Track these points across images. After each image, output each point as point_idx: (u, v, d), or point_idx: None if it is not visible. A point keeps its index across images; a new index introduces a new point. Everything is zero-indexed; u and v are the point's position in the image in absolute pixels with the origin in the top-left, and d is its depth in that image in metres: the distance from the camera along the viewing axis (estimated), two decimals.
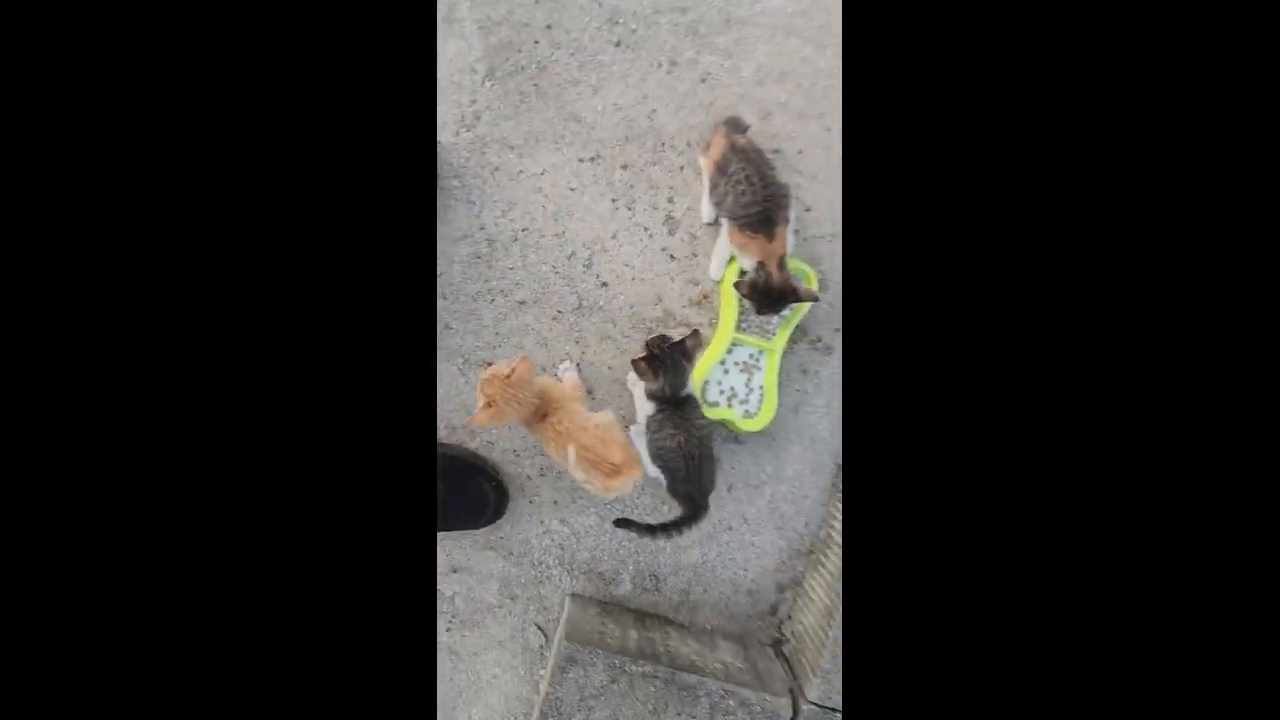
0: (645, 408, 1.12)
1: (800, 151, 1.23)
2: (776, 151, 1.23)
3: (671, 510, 1.16)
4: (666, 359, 1.06)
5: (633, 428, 1.18)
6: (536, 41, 1.21)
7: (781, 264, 1.08)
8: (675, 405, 1.09)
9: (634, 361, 1.07)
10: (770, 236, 1.07)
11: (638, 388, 1.14)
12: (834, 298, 1.25)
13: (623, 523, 1.17)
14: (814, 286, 1.19)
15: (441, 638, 1.33)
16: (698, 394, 1.21)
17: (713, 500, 1.28)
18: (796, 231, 1.23)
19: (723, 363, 1.22)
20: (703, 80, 1.22)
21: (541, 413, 1.07)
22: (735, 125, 1.12)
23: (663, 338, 1.08)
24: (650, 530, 1.14)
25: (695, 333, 1.08)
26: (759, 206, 1.05)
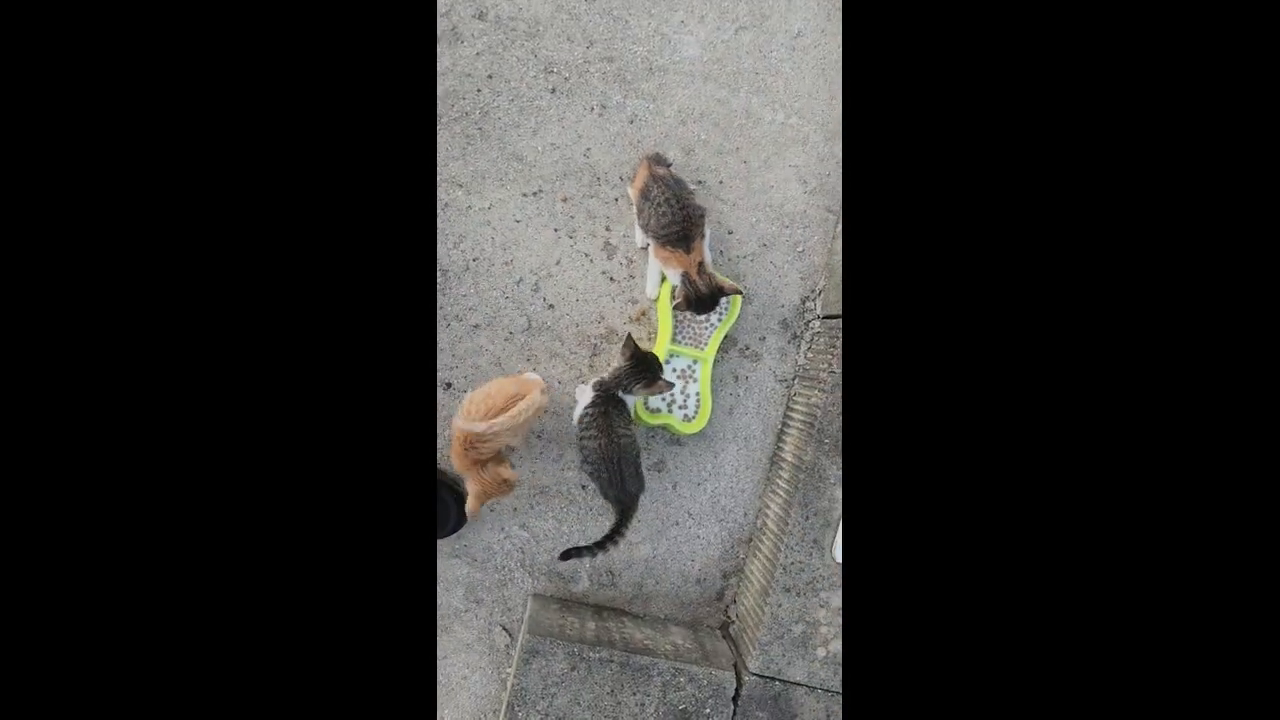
0: (584, 399, 1.25)
1: (721, 182, 1.39)
2: (700, 183, 1.38)
3: (608, 518, 1.30)
4: (646, 365, 1.21)
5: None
6: (479, 90, 1.34)
7: (701, 270, 1.24)
8: (607, 403, 1.22)
9: (631, 335, 1.22)
10: (688, 250, 1.22)
11: (583, 395, 1.27)
12: (759, 309, 1.40)
13: (569, 554, 1.28)
14: (736, 297, 1.34)
15: None
16: (639, 403, 1.34)
17: (659, 498, 1.41)
18: (721, 251, 1.39)
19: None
20: (631, 121, 1.37)
21: (471, 442, 1.19)
22: (657, 159, 1.28)
23: (655, 359, 1.24)
24: (596, 549, 1.26)
25: (670, 385, 1.25)
26: (678, 226, 1.21)
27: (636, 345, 1.22)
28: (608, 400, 1.22)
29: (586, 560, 1.42)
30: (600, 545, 1.26)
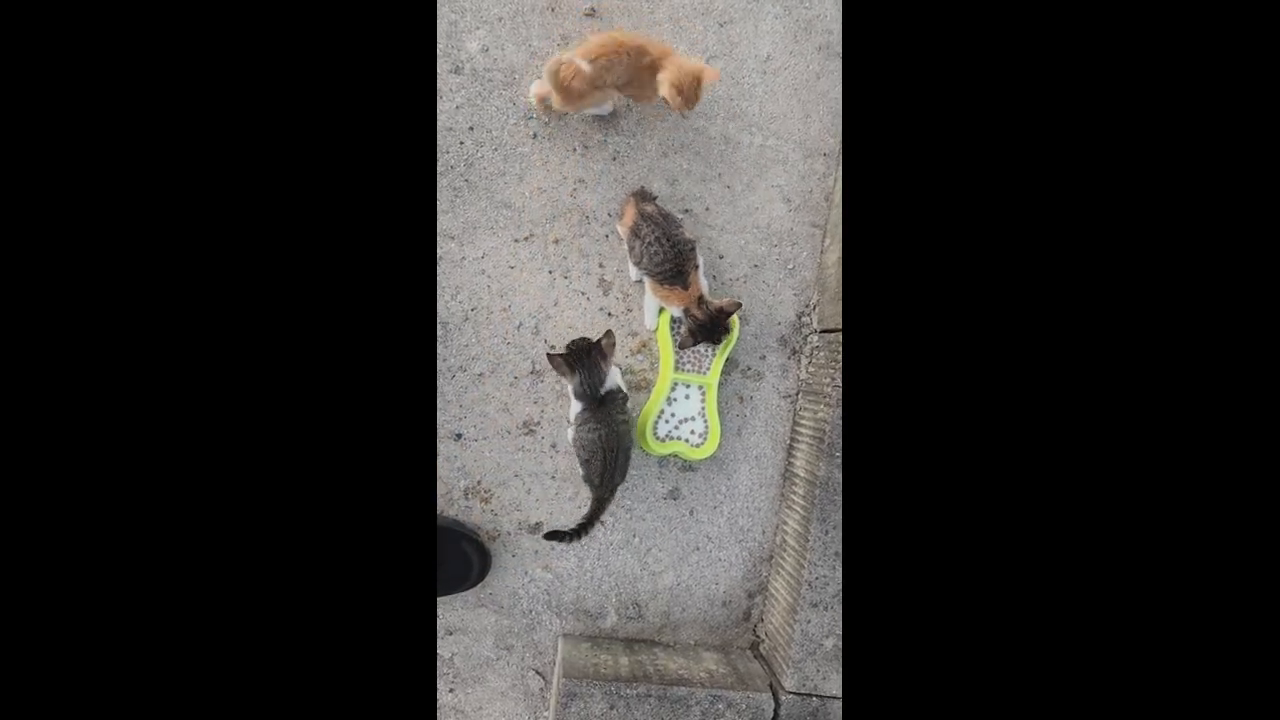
0: (574, 405, 1.26)
1: (708, 209, 1.41)
2: (687, 211, 1.40)
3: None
4: (583, 356, 1.22)
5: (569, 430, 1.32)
6: (462, 142, 1.36)
7: (700, 302, 1.26)
8: (599, 402, 1.23)
9: (549, 356, 1.22)
10: (685, 285, 1.25)
11: (570, 388, 1.27)
12: (757, 329, 1.43)
13: (552, 535, 1.27)
14: (734, 319, 1.36)
15: (445, 698, 1.40)
16: (647, 434, 1.35)
17: (678, 525, 1.42)
18: (715, 276, 1.41)
19: (670, 401, 1.37)
20: (614, 158, 1.39)
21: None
22: (643, 195, 1.30)
23: (583, 339, 1.24)
24: (575, 534, 1.25)
25: (609, 333, 1.24)
26: (670, 263, 1.23)
27: (558, 356, 1.21)
28: (601, 399, 1.23)
29: (612, 596, 1.42)
30: (578, 531, 1.25)
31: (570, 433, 1.29)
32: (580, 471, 1.29)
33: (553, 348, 1.24)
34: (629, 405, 1.26)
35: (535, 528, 1.40)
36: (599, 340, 1.23)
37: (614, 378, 1.25)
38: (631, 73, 1.19)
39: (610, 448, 1.21)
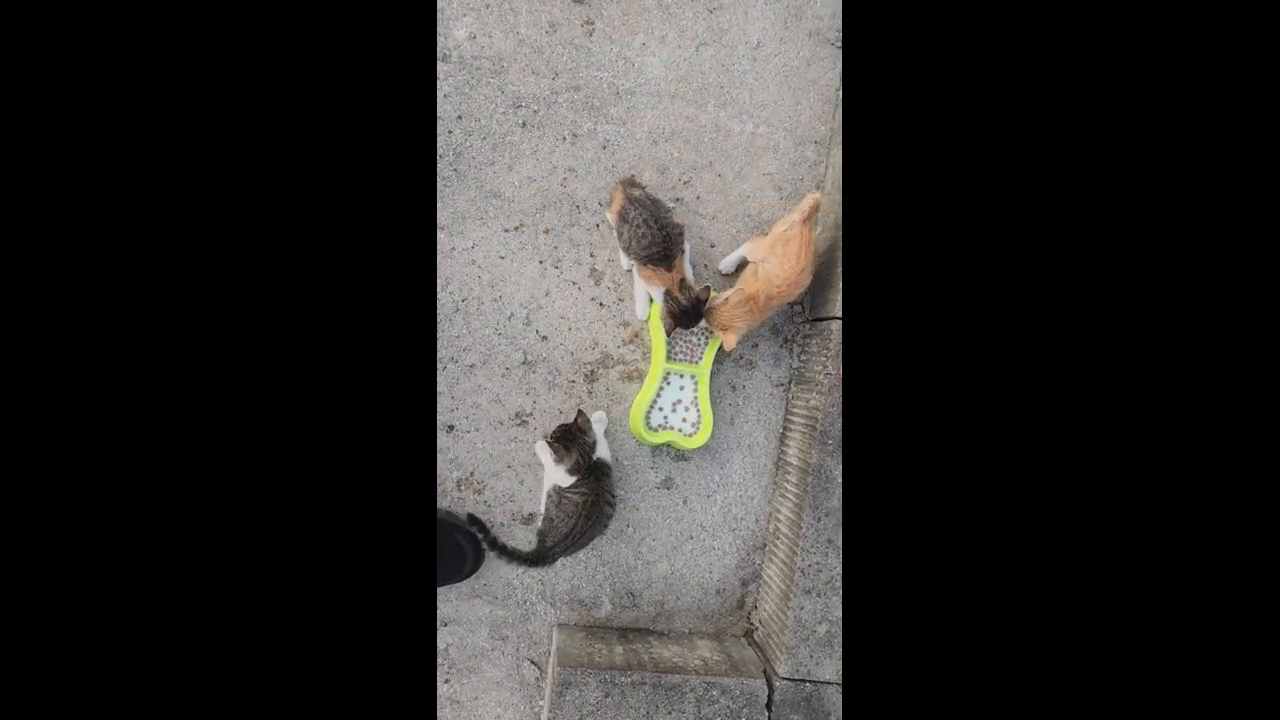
0: (564, 480, 1.24)
1: (698, 197, 1.41)
2: (678, 200, 1.39)
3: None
4: (570, 437, 1.23)
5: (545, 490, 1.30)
6: (450, 132, 1.35)
7: (682, 286, 1.26)
8: (591, 473, 1.23)
9: (550, 443, 1.23)
10: (669, 268, 1.25)
11: (548, 457, 1.26)
12: None
13: (474, 520, 1.26)
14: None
15: (441, 689, 1.41)
16: (640, 424, 1.35)
17: (671, 515, 1.43)
18: (705, 265, 1.40)
19: (662, 390, 1.37)
20: (603, 147, 1.38)
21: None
22: (631, 182, 1.29)
23: (559, 426, 1.27)
24: (493, 543, 1.22)
25: (580, 413, 1.27)
26: (657, 246, 1.23)
27: (554, 443, 1.23)
28: (592, 469, 1.23)
29: (606, 586, 1.43)
30: (498, 546, 1.22)
31: (545, 495, 1.28)
32: (540, 525, 1.28)
33: (546, 434, 1.28)
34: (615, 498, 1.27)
35: (528, 519, 1.40)
36: (574, 420, 1.26)
37: (601, 449, 1.27)
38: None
39: (588, 515, 1.21)
